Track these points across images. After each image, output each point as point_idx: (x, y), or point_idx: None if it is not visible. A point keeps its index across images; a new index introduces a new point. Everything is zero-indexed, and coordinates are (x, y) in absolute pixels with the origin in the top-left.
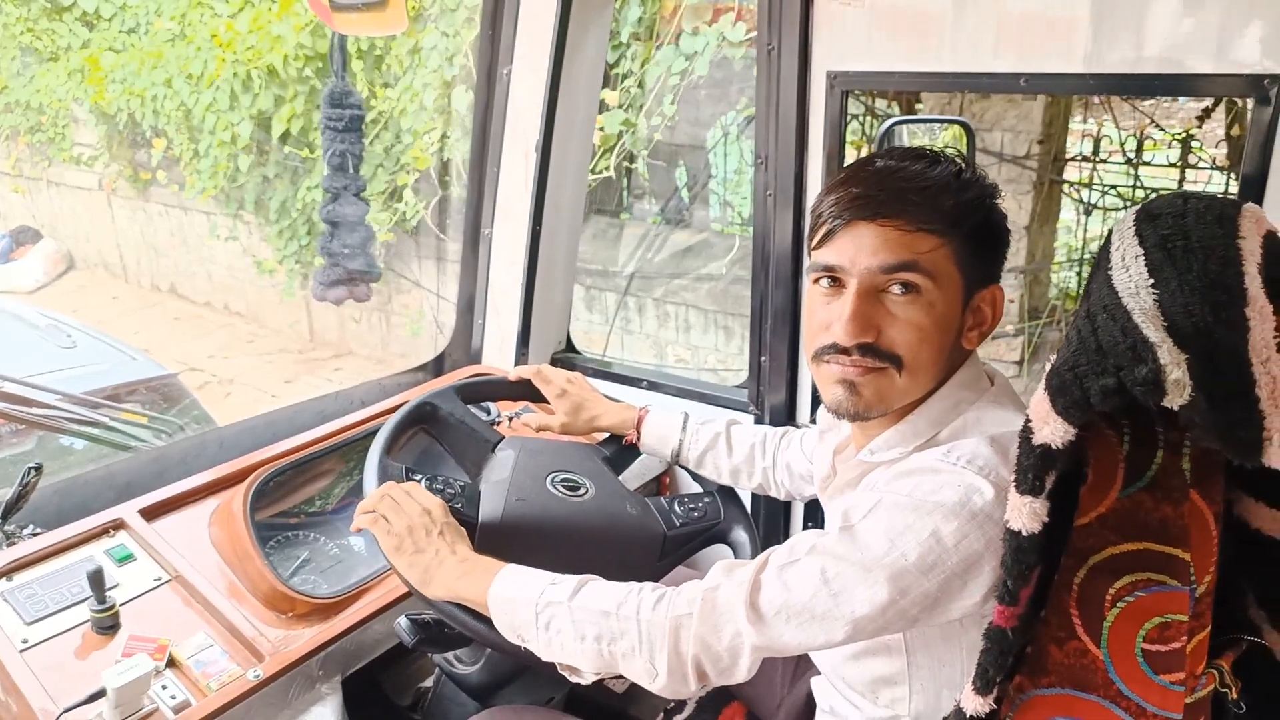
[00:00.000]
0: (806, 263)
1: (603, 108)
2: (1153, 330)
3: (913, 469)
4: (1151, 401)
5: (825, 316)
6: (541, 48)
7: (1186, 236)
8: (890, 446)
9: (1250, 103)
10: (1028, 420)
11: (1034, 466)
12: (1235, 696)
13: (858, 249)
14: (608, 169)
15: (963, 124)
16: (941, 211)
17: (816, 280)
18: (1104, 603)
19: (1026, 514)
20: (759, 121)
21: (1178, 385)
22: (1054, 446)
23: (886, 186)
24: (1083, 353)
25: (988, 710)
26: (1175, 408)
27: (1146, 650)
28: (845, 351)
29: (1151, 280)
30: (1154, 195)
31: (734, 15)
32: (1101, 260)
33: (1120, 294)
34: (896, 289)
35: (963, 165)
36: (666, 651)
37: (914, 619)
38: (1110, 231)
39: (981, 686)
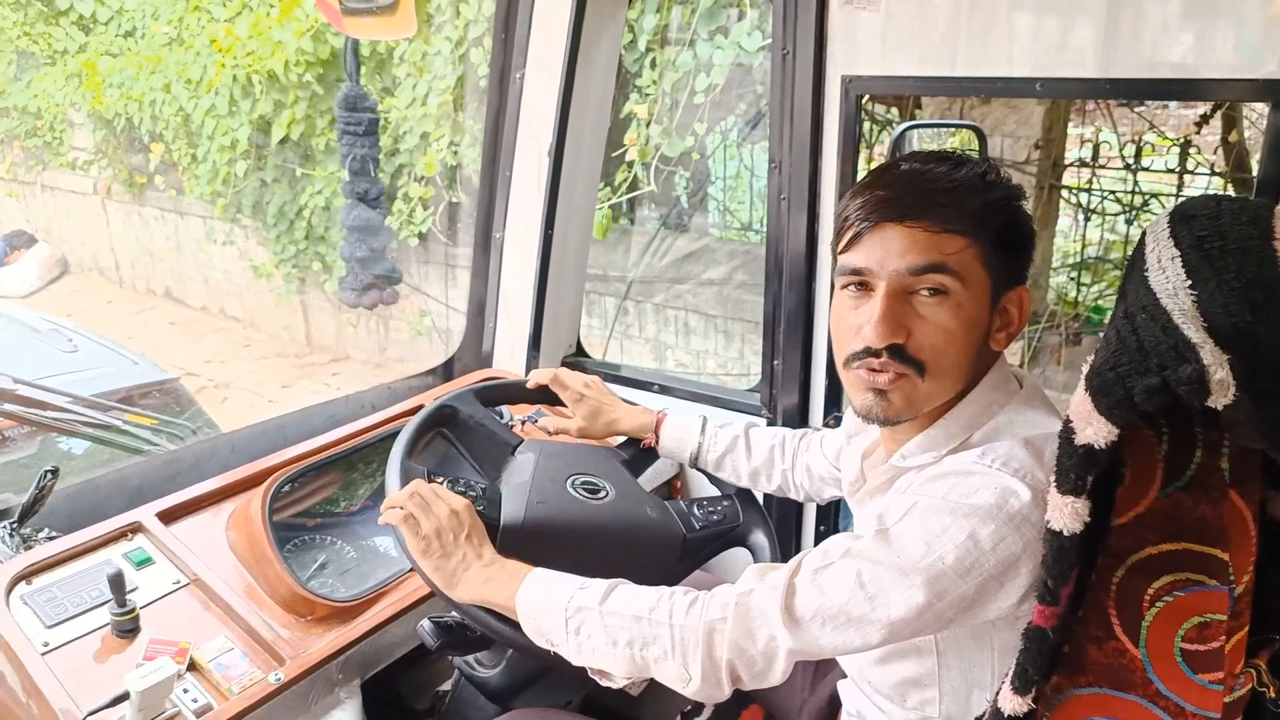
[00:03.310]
0: (821, 265)
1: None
2: (1194, 331)
3: (947, 471)
4: (1196, 401)
5: (855, 321)
6: (555, 51)
7: (1223, 237)
8: (923, 451)
9: (1266, 107)
10: (1069, 421)
11: (1076, 466)
12: (1274, 695)
13: (886, 251)
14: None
15: (974, 128)
16: (968, 213)
17: (845, 286)
18: (1142, 602)
19: (1068, 514)
20: (773, 125)
21: (1222, 385)
22: (1097, 447)
23: (913, 189)
24: (1124, 352)
25: (1026, 710)
26: (1219, 407)
27: (1185, 650)
28: (876, 355)
29: (1189, 281)
30: (1152, 199)
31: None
32: (1136, 262)
33: (1158, 295)
34: (925, 291)
35: (987, 167)
36: (700, 656)
37: (949, 621)
38: (1144, 233)
39: (1020, 686)
